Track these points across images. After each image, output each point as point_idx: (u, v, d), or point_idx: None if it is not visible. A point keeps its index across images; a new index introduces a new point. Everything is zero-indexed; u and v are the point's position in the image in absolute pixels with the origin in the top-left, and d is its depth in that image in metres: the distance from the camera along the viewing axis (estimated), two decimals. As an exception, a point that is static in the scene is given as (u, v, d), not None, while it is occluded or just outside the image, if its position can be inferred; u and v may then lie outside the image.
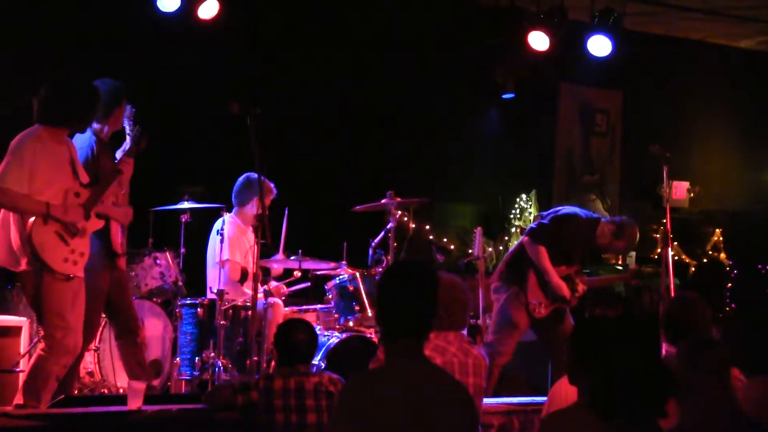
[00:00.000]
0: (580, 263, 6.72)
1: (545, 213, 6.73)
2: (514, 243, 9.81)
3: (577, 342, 3.15)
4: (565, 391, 4.19)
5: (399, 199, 6.90)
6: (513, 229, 9.74)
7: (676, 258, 9.22)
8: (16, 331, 6.10)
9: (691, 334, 4.30)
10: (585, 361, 3.06)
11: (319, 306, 7.09)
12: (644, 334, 2.99)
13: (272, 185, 6.89)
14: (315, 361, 5.93)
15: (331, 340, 6.33)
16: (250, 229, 6.94)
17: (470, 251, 7.76)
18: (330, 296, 6.90)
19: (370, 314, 6.64)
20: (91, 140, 5.74)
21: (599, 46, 8.44)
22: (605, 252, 6.89)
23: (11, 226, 5.30)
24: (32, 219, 5.21)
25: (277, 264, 7.10)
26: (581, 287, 6.62)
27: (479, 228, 7.53)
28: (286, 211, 7.15)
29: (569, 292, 6.52)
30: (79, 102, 5.45)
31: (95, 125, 5.80)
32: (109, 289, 5.75)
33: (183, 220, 6.81)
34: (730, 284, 9.97)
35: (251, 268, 6.27)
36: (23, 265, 5.27)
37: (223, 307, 6.35)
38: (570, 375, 3.43)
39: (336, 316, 6.82)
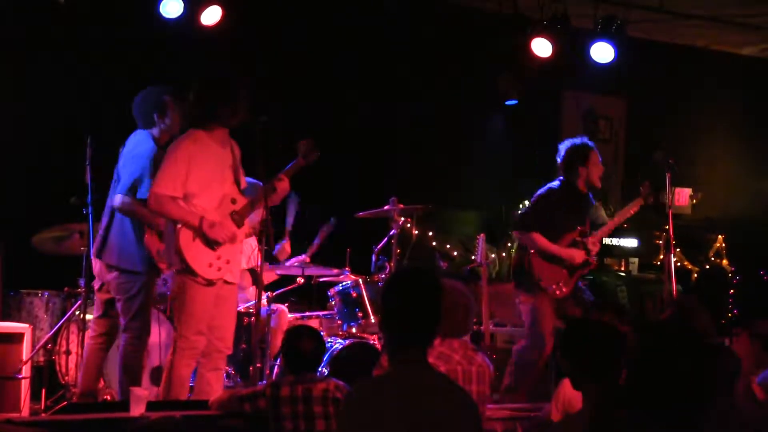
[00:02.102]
0: (582, 223, 6.77)
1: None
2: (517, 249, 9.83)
3: (574, 348, 3.15)
4: (567, 387, 4.20)
5: (402, 206, 6.91)
6: (516, 236, 9.73)
7: (679, 264, 9.20)
8: (18, 337, 6.09)
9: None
10: (588, 367, 3.05)
11: (322, 312, 7.08)
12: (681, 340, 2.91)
13: None
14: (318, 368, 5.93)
15: (334, 347, 6.33)
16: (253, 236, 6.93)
17: (473, 258, 7.75)
18: (333, 303, 6.90)
19: (373, 321, 6.64)
20: (152, 149, 5.78)
21: (602, 52, 8.43)
22: (603, 183, 6.95)
23: (168, 227, 5.44)
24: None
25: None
26: (593, 246, 6.72)
27: (482, 235, 7.52)
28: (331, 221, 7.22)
29: (584, 255, 6.63)
30: (220, 98, 5.45)
31: (154, 131, 5.84)
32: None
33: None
34: (732, 291, 9.96)
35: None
36: (171, 265, 5.42)
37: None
38: (573, 382, 3.42)
39: (339, 322, 6.82)
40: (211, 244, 5.36)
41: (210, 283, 5.36)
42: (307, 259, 7.00)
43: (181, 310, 5.38)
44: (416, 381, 3.06)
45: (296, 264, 6.92)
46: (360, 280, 6.77)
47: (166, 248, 5.54)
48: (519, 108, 9.26)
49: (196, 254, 5.33)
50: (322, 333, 6.47)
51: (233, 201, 5.49)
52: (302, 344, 4.61)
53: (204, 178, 5.39)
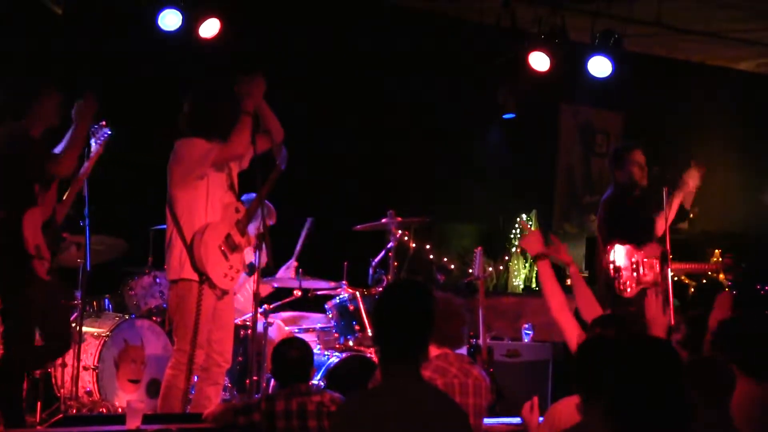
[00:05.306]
0: (650, 235, 6.91)
1: None
2: (514, 263, 9.83)
3: (582, 362, 3.13)
4: (562, 411, 4.16)
5: (400, 219, 6.91)
6: (513, 249, 9.73)
7: (676, 279, 9.21)
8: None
9: (695, 353, 4.26)
10: (592, 382, 3.03)
11: (319, 325, 7.07)
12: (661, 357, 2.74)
13: (272, 206, 6.88)
14: (315, 381, 5.92)
15: (331, 360, 6.32)
16: (250, 249, 6.92)
17: (471, 271, 7.74)
18: (330, 315, 6.89)
19: (370, 334, 6.63)
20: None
21: (600, 67, 8.44)
22: (650, 182, 6.99)
23: (173, 236, 5.39)
24: (194, 232, 5.32)
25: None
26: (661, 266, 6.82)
27: (480, 248, 7.51)
28: (308, 223, 7.19)
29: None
30: (218, 108, 5.48)
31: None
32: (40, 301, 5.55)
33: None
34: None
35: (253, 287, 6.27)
36: (181, 276, 5.34)
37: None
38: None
39: (336, 335, 6.81)
40: (226, 253, 5.37)
41: (224, 293, 5.37)
42: (295, 263, 7.00)
43: (181, 324, 5.35)
44: (407, 394, 3.05)
45: (285, 267, 6.92)
46: (357, 293, 6.76)
47: (167, 259, 5.52)
48: (516, 121, 9.27)
49: (213, 265, 5.34)
50: (318, 346, 6.51)
51: (237, 210, 5.53)
52: (287, 354, 4.60)
53: (206, 188, 5.40)
